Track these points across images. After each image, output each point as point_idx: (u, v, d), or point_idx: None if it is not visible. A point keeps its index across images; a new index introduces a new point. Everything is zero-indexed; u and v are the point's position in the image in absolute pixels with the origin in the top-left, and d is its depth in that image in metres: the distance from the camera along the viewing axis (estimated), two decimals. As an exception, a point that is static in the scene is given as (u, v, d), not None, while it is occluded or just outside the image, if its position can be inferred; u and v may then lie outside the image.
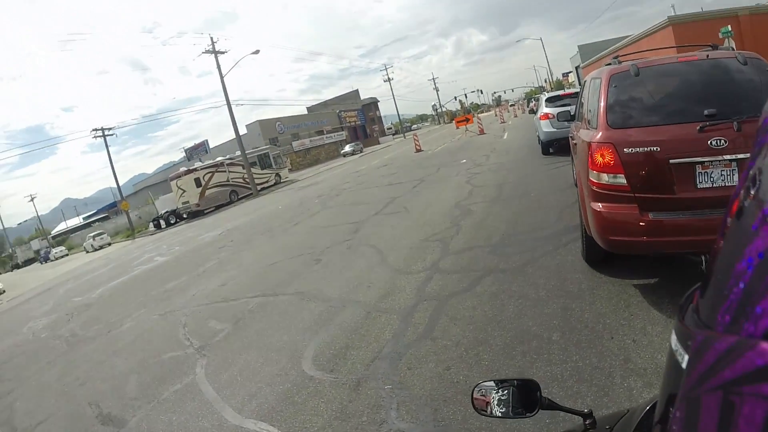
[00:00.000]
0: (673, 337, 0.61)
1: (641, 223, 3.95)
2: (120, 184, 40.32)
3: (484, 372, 3.62)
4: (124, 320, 8.14)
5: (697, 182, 3.86)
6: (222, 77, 34.59)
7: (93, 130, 38.65)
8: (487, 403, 1.34)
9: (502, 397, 1.33)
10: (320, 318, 5.58)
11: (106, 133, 38.72)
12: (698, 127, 3.78)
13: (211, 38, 34.22)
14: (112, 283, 13.14)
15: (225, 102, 35.27)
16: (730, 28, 18.45)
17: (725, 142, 3.71)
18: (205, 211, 31.51)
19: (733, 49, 4.84)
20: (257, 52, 35.40)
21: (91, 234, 43.40)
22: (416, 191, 13.41)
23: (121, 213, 42.21)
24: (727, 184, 3.80)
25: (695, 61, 4.38)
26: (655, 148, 3.91)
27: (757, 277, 0.47)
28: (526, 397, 1.31)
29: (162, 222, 32.10)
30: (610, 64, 5.02)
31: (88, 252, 41.17)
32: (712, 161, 3.80)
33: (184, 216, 31.93)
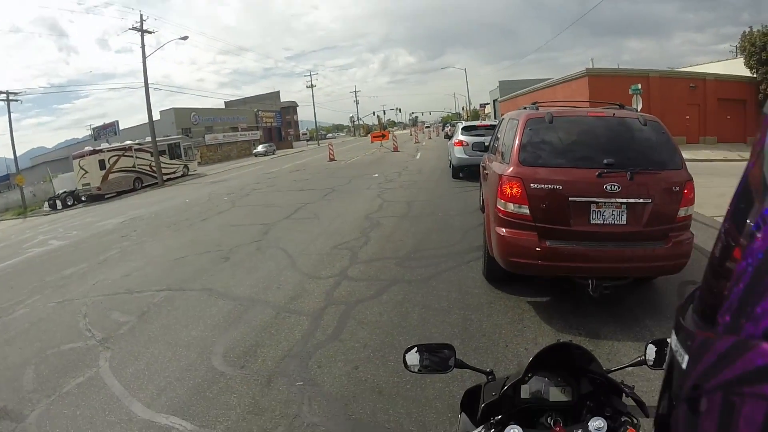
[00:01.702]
0: (673, 337, 0.60)
1: (538, 249, 4.40)
2: (17, 156, 36.70)
3: (390, 371, 3.87)
4: (16, 306, 7.49)
5: (591, 218, 4.36)
6: (144, 58, 32.36)
7: (-3, 91, 34.42)
8: (413, 362, 1.64)
9: (425, 358, 1.64)
10: (229, 316, 5.55)
11: (12, 97, 34.59)
12: (597, 173, 4.29)
13: (141, 15, 31.82)
14: (1, 265, 12.01)
15: (143, 84, 32.78)
16: (639, 87, 20.18)
17: (618, 188, 4.24)
18: (106, 196, 29.39)
19: (637, 110, 5.44)
20: (185, 38, 33.62)
21: (-21, 207, 38.69)
22: (327, 200, 13.51)
23: (13, 187, 37.62)
24: (616, 222, 4.34)
25: (602, 117, 4.93)
26: (557, 186, 4.37)
27: (757, 277, 0.47)
28: (443, 357, 1.63)
29: (59, 203, 29.43)
30: (527, 108, 5.49)
31: (-29, 226, 36.89)
32: (605, 202, 4.31)
33: (83, 199, 29.52)
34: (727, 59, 33.16)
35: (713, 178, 12.54)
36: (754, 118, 25.94)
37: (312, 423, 3.37)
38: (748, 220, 0.51)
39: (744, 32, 27.16)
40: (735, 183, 0.59)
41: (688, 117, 25.31)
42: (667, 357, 0.61)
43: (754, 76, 26.09)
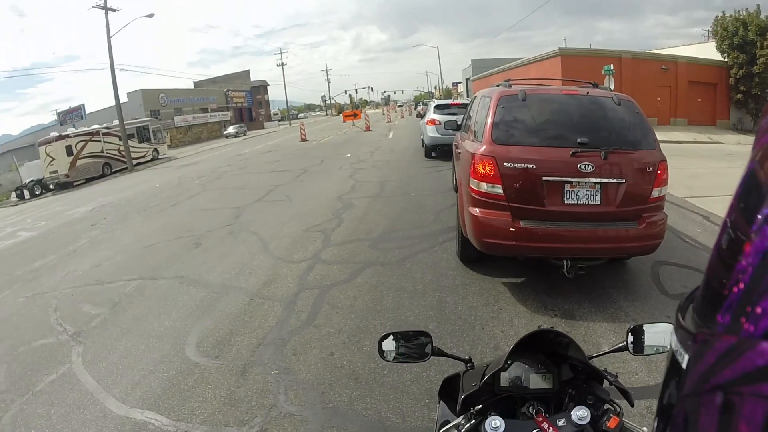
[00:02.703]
0: (673, 337, 0.60)
1: (512, 229, 4.35)
2: (-19, 145, 35.18)
3: (366, 357, 3.86)
4: (-16, 302, 7.28)
5: (565, 198, 4.33)
6: (109, 37, 30.80)
7: (-41, 79, 32.80)
8: (389, 351, 1.60)
9: (401, 346, 1.60)
10: (202, 304, 5.45)
11: None
12: (571, 152, 4.25)
13: None
14: (-33, 259, 11.61)
15: (108, 64, 31.31)
16: (612, 67, 20.07)
17: (592, 167, 4.21)
18: (75, 183, 28.48)
19: (611, 89, 5.36)
20: (151, 15, 32.31)
21: (-58, 198, 36.90)
22: (300, 181, 13.34)
23: (-21, 177, 36.44)
24: (590, 203, 4.32)
25: (576, 95, 4.85)
26: (531, 165, 4.31)
27: (757, 277, 0.46)
28: (419, 345, 1.59)
29: (26, 192, 28.39)
30: (500, 85, 5.40)
31: (-65, 219, 35.34)
32: (579, 182, 4.28)
33: (52, 187, 28.51)
34: (699, 43, 33.28)
35: (684, 159, 12.75)
36: (724, 101, 26.50)
37: (289, 413, 3.35)
38: (747, 220, 0.50)
39: (716, 16, 27.30)
40: (705, 164, 0.55)
41: (659, 98, 25.37)
42: (666, 357, 0.61)
43: (725, 60, 26.29)
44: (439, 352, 1.59)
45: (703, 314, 0.55)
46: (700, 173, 10.77)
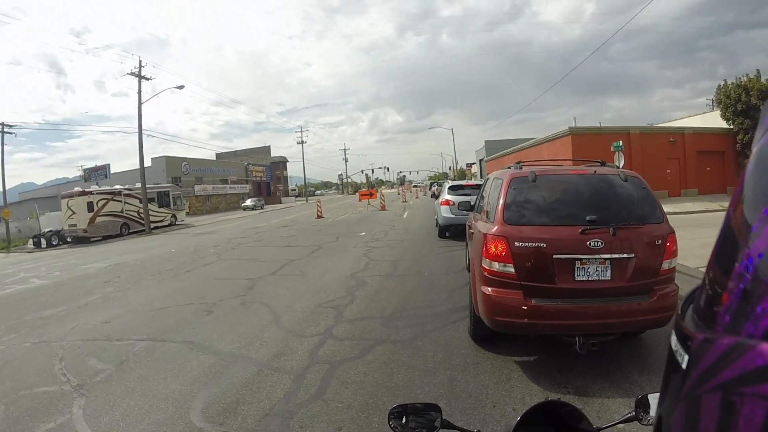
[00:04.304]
0: (673, 338, 0.59)
1: (524, 307, 4.38)
2: (5, 189, 35.92)
3: (373, 434, 3.76)
4: (-10, 344, 7.27)
5: (576, 275, 4.38)
6: (140, 104, 32.51)
7: (-7, 122, 33.54)
8: (398, 422, 1.59)
9: (410, 418, 1.58)
10: (210, 370, 5.40)
11: (7, 129, 33.68)
12: (580, 230, 4.36)
13: (140, 61, 32.24)
14: (-22, 300, 11.65)
15: (136, 129, 32.76)
16: (621, 143, 20.44)
17: (602, 244, 4.30)
18: (92, 239, 28.99)
19: (618, 167, 5.58)
20: (182, 87, 34.15)
21: (-38, 238, 37.25)
22: (314, 257, 13.47)
23: (-1, 221, 37.02)
24: (600, 278, 4.36)
25: (584, 174, 5.02)
26: (542, 244, 4.41)
27: (757, 277, 0.46)
28: (429, 418, 1.59)
29: (43, 241, 28.85)
30: (511, 167, 5.61)
31: (-46, 257, 35.53)
32: (589, 258, 4.35)
33: (69, 240, 29.04)
34: (704, 113, 34.31)
35: (696, 229, 12.83)
36: (732, 168, 26.92)
37: (292, 486, 3.25)
38: (747, 221, 0.50)
39: (719, 85, 28.32)
40: (717, 233, 0.60)
41: (668, 171, 25.93)
42: (666, 357, 0.61)
43: (731, 127, 27.07)
44: (448, 425, 1.59)
45: (703, 315, 0.55)
46: (713, 242, 10.65)
